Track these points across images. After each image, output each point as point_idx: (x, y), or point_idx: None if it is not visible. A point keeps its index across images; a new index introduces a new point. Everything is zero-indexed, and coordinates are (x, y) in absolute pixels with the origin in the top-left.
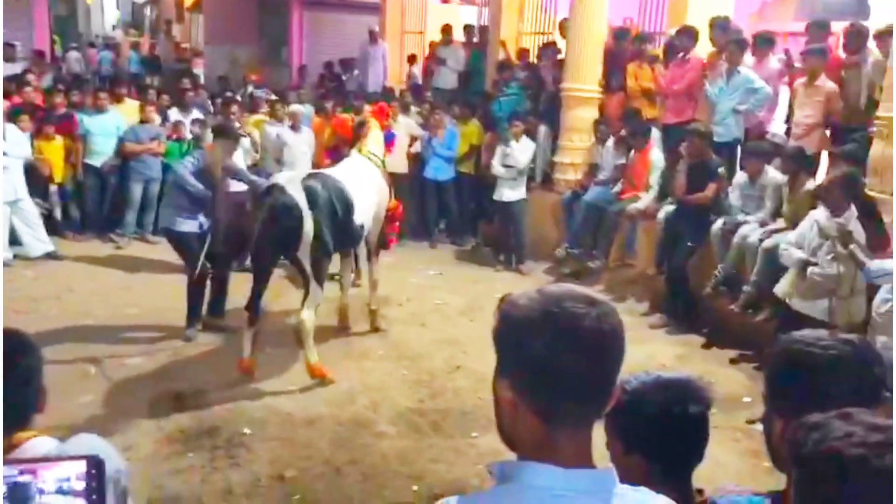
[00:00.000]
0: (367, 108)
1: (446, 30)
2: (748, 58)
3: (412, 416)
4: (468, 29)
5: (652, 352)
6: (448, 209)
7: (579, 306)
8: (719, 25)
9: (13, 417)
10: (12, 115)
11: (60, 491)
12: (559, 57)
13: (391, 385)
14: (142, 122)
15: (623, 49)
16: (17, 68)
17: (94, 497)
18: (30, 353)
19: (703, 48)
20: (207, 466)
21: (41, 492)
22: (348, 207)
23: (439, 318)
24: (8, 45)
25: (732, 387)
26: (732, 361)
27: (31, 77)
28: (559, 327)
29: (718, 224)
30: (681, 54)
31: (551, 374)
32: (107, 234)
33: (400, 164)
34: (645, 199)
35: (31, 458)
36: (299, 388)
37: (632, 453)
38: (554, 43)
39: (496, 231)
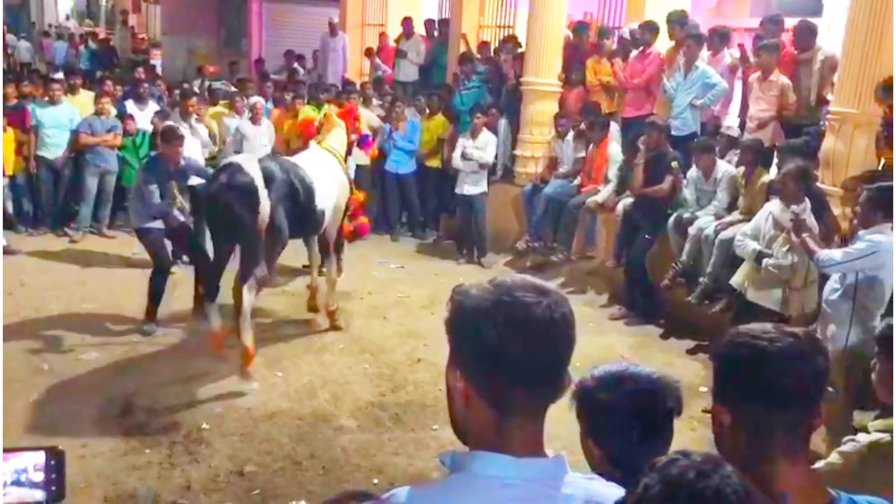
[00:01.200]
0: (329, 106)
1: (407, 21)
2: (703, 52)
3: (373, 409)
4: (429, 22)
5: (611, 342)
6: (410, 202)
7: (530, 295)
8: (677, 20)
9: None
10: None
11: (17, 482)
12: (519, 51)
13: (352, 379)
14: (96, 113)
15: (583, 43)
16: None
17: (54, 488)
18: None
19: (662, 43)
20: (165, 462)
21: None
22: (308, 192)
23: (401, 311)
24: None
25: (689, 377)
26: (689, 352)
27: None
28: (510, 316)
29: (675, 217)
30: (640, 48)
31: (503, 363)
32: (61, 228)
33: (361, 157)
34: (604, 193)
35: None
36: (260, 381)
37: (593, 442)
38: (514, 37)
39: (458, 224)
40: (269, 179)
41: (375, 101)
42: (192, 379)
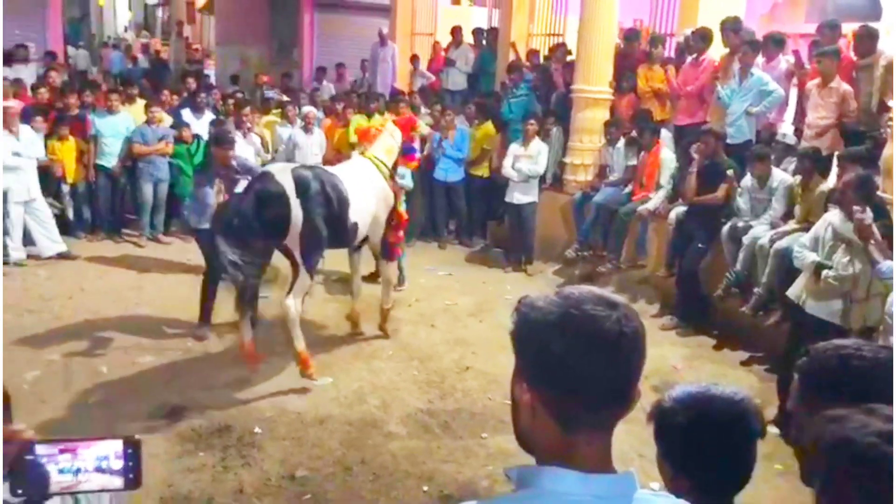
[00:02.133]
0: (388, 115)
1: (456, 31)
2: (758, 59)
3: (422, 416)
4: (477, 31)
5: (663, 353)
6: (457, 210)
7: (599, 309)
8: (731, 27)
9: None
10: (26, 116)
11: (99, 469)
12: (569, 58)
13: (401, 385)
14: (147, 122)
15: (634, 50)
16: (31, 69)
17: (131, 476)
18: None
19: (714, 50)
20: (219, 465)
21: (81, 470)
22: (342, 202)
23: (449, 318)
24: (22, 47)
25: (743, 390)
26: (743, 364)
27: (53, 75)
28: (578, 330)
29: (729, 226)
30: (693, 56)
31: (569, 378)
32: (118, 235)
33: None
34: (655, 200)
35: (71, 437)
36: (309, 387)
37: (670, 464)
38: (564, 44)
39: (506, 232)
40: (302, 188)
41: (423, 110)
42: (243, 383)
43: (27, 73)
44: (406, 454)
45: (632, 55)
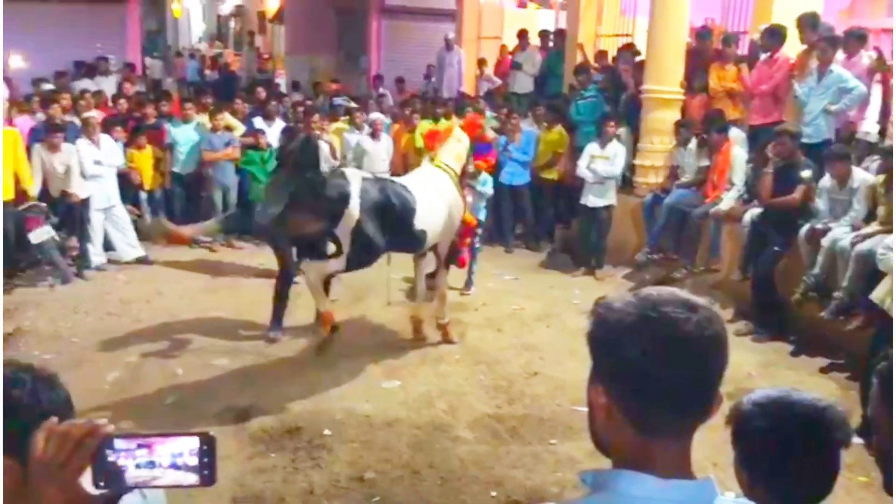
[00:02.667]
0: (455, 120)
1: (523, 34)
2: (837, 55)
3: (490, 421)
4: (543, 34)
5: (738, 360)
6: (524, 214)
7: (678, 311)
8: (809, 23)
9: None
10: (106, 126)
11: (174, 465)
12: (638, 59)
13: (468, 390)
14: (212, 129)
15: (706, 49)
16: (111, 80)
17: (206, 473)
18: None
19: (790, 47)
20: (289, 466)
21: (157, 465)
22: (406, 210)
23: (516, 323)
24: (103, 59)
25: (828, 399)
26: (823, 370)
27: (127, 86)
28: (656, 333)
29: (807, 228)
30: (767, 53)
31: (647, 383)
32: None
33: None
34: (728, 200)
35: (148, 433)
36: (378, 390)
37: (748, 470)
38: (633, 44)
39: (576, 236)
40: (366, 192)
41: (489, 114)
42: (313, 385)
43: (108, 85)
44: (474, 459)
45: (703, 54)
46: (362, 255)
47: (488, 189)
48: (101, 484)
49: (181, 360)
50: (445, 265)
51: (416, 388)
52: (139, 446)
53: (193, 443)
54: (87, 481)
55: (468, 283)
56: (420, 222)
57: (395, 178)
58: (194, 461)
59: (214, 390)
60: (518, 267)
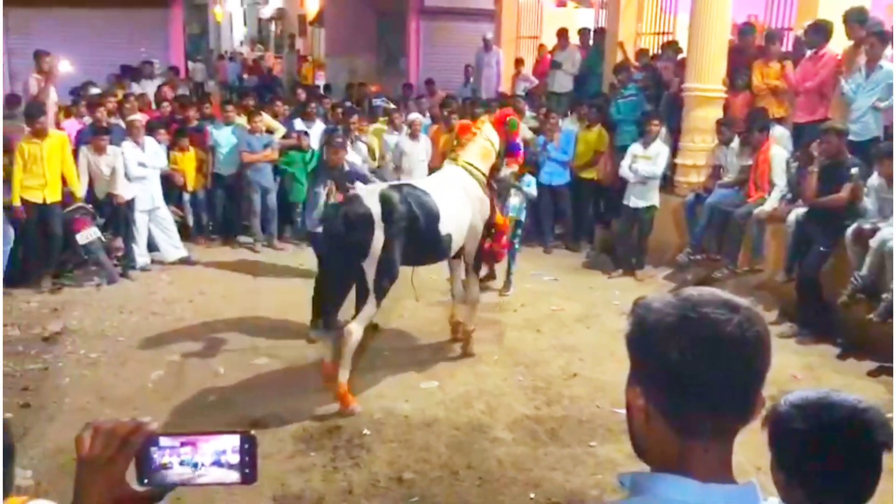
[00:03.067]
0: (485, 117)
1: (562, 32)
2: (886, 51)
3: (529, 422)
4: (583, 32)
5: (782, 363)
6: (563, 214)
7: (719, 311)
8: (856, 19)
9: None
10: (150, 129)
11: (217, 463)
12: (680, 56)
13: (507, 391)
14: (250, 131)
15: (749, 46)
16: (155, 84)
17: (247, 471)
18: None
19: (836, 43)
20: (329, 466)
21: (199, 463)
22: (430, 218)
23: (555, 324)
24: (148, 63)
25: (871, 401)
26: (871, 374)
27: (166, 90)
28: (697, 334)
29: (854, 228)
30: (812, 50)
31: (687, 384)
32: (234, 241)
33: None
34: (771, 200)
35: (191, 431)
36: (416, 390)
37: (785, 473)
38: (675, 42)
39: (615, 236)
40: (388, 211)
41: (528, 114)
42: (352, 385)
43: (152, 88)
44: (512, 460)
45: (746, 51)
46: (389, 279)
47: (532, 190)
48: (146, 481)
49: (223, 360)
50: (489, 267)
51: (455, 388)
52: (183, 444)
53: (235, 441)
54: (132, 478)
55: (507, 284)
56: (445, 226)
57: (415, 183)
58: (236, 459)
59: (255, 389)
60: (557, 267)
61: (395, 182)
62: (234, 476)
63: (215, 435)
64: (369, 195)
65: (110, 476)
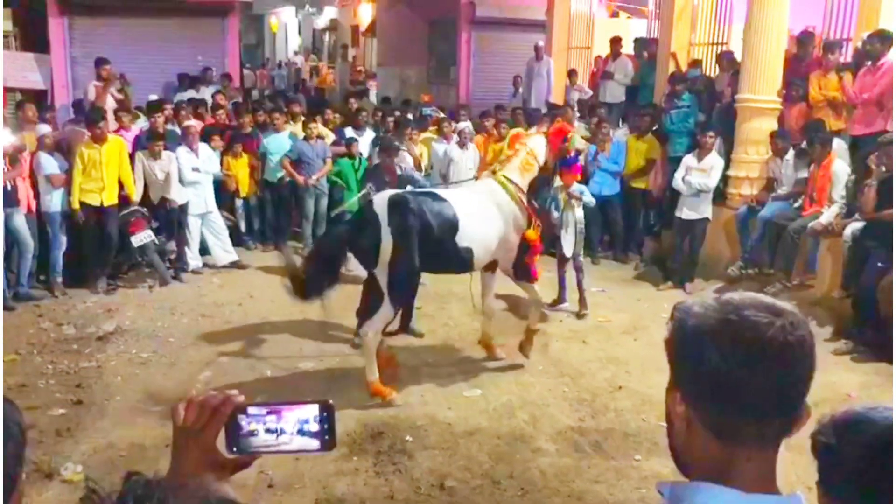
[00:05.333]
0: (533, 130)
1: (615, 42)
2: None
3: (572, 434)
4: (639, 42)
5: (836, 380)
6: (613, 224)
7: (761, 315)
8: None
9: None
10: (205, 135)
11: (301, 431)
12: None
13: (551, 401)
14: (306, 138)
15: (807, 55)
16: (211, 91)
17: (326, 437)
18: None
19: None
20: (371, 471)
21: (284, 431)
22: (447, 228)
23: (601, 336)
24: (208, 70)
25: None
26: None
27: (219, 97)
28: (738, 338)
29: None
30: (871, 61)
31: (728, 389)
32: (284, 245)
33: None
34: (828, 215)
35: (274, 402)
36: (460, 398)
37: (825, 493)
38: (731, 52)
39: (664, 248)
40: (396, 216)
41: (578, 123)
42: (396, 390)
43: (209, 96)
44: (555, 472)
45: (804, 60)
46: (403, 284)
47: (589, 197)
48: (235, 449)
49: (270, 362)
50: (519, 278)
51: (498, 397)
52: (269, 412)
53: (315, 410)
54: (222, 447)
55: (583, 302)
56: (464, 239)
57: (438, 192)
58: (316, 427)
59: (301, 392)
60: (605, 279)
61: (417, 190)
62: (315, 444)
63: (298, 405)
64: (379, 200)
65: (202, 443)
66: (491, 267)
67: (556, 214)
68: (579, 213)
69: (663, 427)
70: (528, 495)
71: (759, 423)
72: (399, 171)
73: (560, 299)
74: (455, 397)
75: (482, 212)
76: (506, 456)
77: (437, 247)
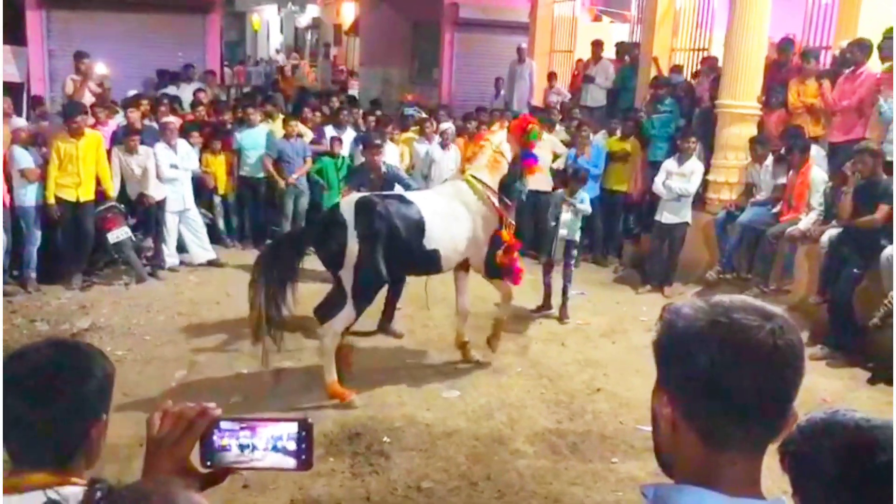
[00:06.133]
0: (496, 127)
1: (597, 46)
2: None
3: (550, 436)
4: (621, 46)
5: (812, 385)
6: (591, 227)
7: (750, 318)
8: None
9: (37, 452)
10: (184, 131)
11: (274, 448)
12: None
13: (529, 403)
14: (286, 136)
15: (786, 62)
16: (191, 88)
17: (303, 457)
18: (90, 373)
19: (875, 62)
20: (348, 472)
21: (257, 447)
22: (414, 231)
23: (580, 338)
24: (189, 66)
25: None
26: None
27: (201, 95)
28: (726, 340)
29: (889, 250)
30: (850, 68)
31: (715, 392)
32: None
33: (544, 182)
34: (806, 221)
35: (251, 417)
36: (438, 399)
37: (800, 500)
38: (714, 58)
39: (643, 252)
40: (363, 220)
41: (559, 127)
42: (374, 392)
43: (188, 93)
44: (532, 473)
45: (785, 66)
46: (368, 288)
47: (586, 206)
48: (209, 463)
49: (246, 361)
50: (490, 275)
51: (477, 399)
52: (243, 428)
53: (292, 428)
54: (196, 460)
55: (564, 310)
56: (431, 241)
57: (405, 195)
58: (293, 446)
59: (278, 391)
60: (584, 281)
61: (384, 192)
62: (291, 462)
63: (274, 421)
64: (346, 204)
65: (176, 455)
66: (463, 266)
67: (552, 223)
68: (566, 217)
69: (640, 430)
70: (505, 497)
71: (747, 427)
72: (384, 169)
73: (545, 306)
74: (433, 398)
75: (449, 213)
76: (483, 457)
77: (404, 249)
